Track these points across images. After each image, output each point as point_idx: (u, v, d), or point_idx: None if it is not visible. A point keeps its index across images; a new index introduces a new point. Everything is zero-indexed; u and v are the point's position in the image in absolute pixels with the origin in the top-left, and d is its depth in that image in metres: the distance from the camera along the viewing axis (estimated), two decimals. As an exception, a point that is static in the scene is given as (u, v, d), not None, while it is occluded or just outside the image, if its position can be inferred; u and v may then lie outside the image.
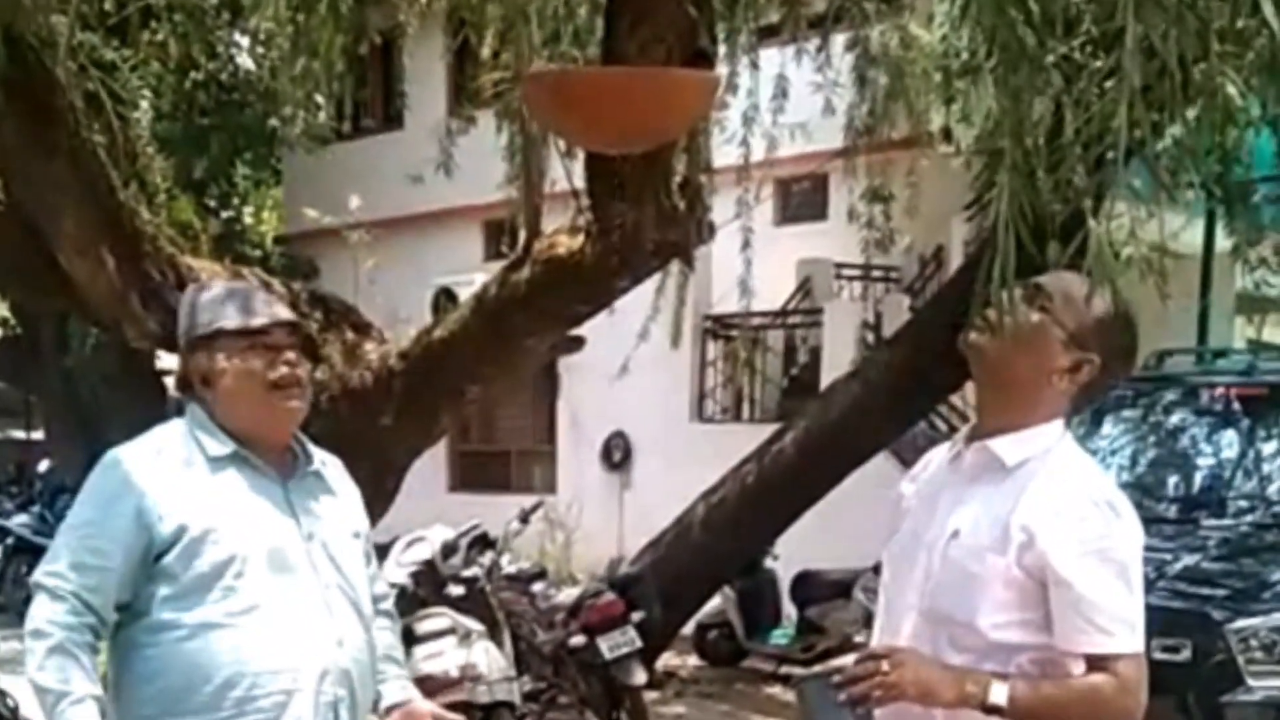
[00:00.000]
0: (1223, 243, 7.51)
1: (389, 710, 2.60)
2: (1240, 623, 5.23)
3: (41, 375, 15.22)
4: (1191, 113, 2.39)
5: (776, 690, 8.45)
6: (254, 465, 2.44)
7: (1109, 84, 2.22)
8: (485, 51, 5.32)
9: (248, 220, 17.74)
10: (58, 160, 4.55)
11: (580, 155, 4.85)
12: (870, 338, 10.77)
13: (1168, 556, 5.60)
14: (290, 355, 2.45)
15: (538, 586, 7.41)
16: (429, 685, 5.50)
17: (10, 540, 11.52)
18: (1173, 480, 6.58)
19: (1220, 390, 6.68)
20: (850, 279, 11.75)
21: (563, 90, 3.10)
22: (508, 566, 7.21)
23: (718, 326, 11.73)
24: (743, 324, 10.33)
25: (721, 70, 5.85)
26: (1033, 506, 2.09)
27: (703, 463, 9.01)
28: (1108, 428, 6.69)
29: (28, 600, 2.37)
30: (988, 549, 2.10)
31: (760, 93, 7.65)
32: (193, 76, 10.07)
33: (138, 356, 5.01)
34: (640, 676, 6.79)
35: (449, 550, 6.76)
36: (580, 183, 4.98)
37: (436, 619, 6.22)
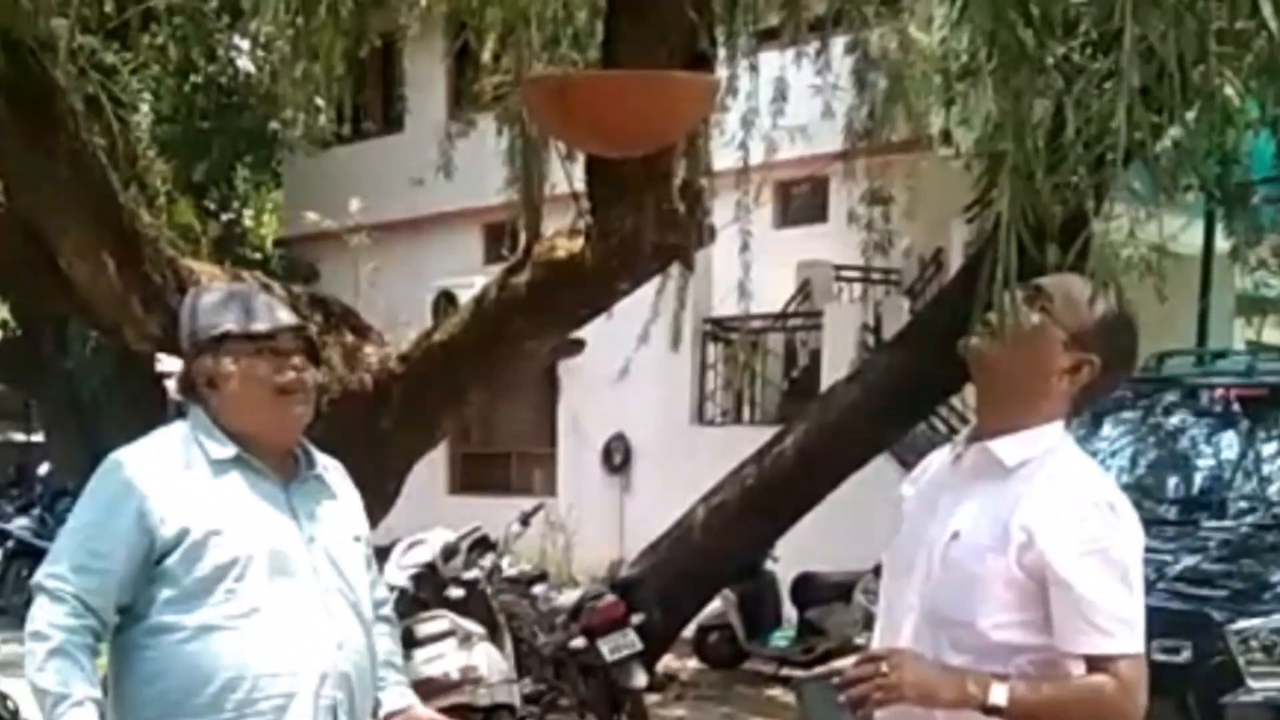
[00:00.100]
0: (1222, 244, 7.52)
1: (389, 717, 2.60)
2: (1240, 624, 5.23)
3: (41, 378, 15.21)
4: (1191, 114, 2.40)
5: (777, 692, 8.45)
6: (256, 469, 2.44)
7: (1108, 86, 2.22)
8: (485, 55, 5.32)
9: (248, 223, 17.76)
10: (58, 163, 4.55)
11: (580, 158, 4.85)
12: (870, 340, 10.76)
13: (1168, 557, 5.60)
14: (297, 360, 2.46)
15: (538, 589, 7.41)
16: (429, 688, 5.51)
17: (10, 543, 11.52)
18: (1173, 481, 6.58)
19: (1220, 391, 6.68)
20: (850, 281, 11.75)
21: (563, 94, 3.10)
22: (508, 569, 7.22)
23: (718, 329, 11.73)
24: (743, 327, 10.33)
25: (721, 73, 5.86)
26: (1033, 507, 2.09)
27: (703, 465, 9.01)
28: (1108, 429, 6.68)
29: (28, 603, 2.37)
30: (988, 550, 2.10)
31: (760, 96, 7.66)
32: (193, 79, 10.11)
33: (138, 359, 4.99)
34: (641, 679, 6.79)
35: (449, 553, 6.76)
36: (580, 186, 4.99)
37: (437, 621, 6.22)
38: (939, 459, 2.35)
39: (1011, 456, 2.15)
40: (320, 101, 6.80)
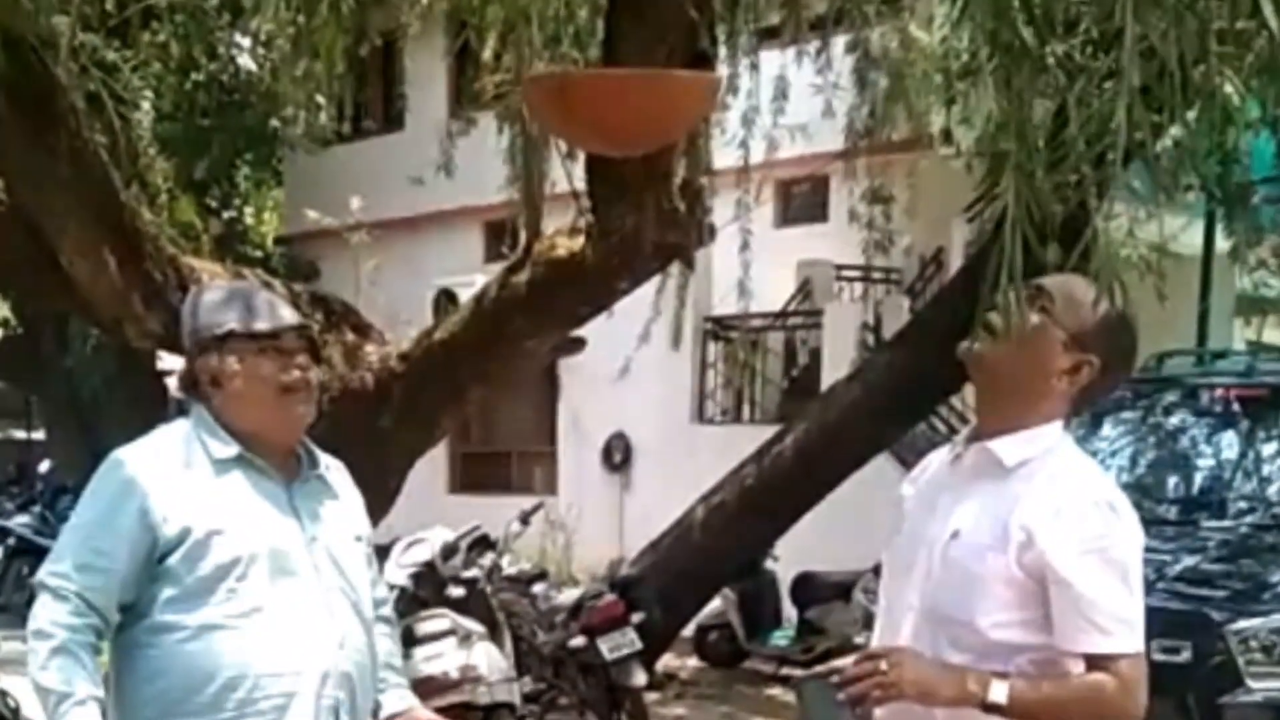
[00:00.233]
0: (1222, 244, 7.52)
1: (389, 719, 2.60)
2: (1240, 624, 5.23)
3: (42, 375, 15.22)
4: (1191, 114, 2.40)
5: (777, 691, 8.45)
6: (258, 468, 2.44)
7: (1108, 85, 2.22)
8: (486, 53, 5.33)
9: (249, 221, 17.76)
10: (59, 161, 4.55)
11: (581, 157, 4.85)
12: (870, 339, 10.77)
13: (1168, 557, 5.60)
14: (302, 359, 2.46)
15: (538, 588, 7.40)
16: (429, 686, 5.52)
17: (11, 540, 11.52)
18: (1172, 481, 6.58)
19: (1220, 391, 6.68)
20: (850, 280, 11.75)
21: (563, 92, 3.10)
22: (508, 568, 7.21)
23: (718, 328, 11.73)
24: (743, 326, 10.34)
25: (722, 72, 5.87)
26: (1033, 507, 2.09)
27: (703, 464, 9.02)
28: (1107, 429, 6.68)
29: (29, 601, 2.37)
30: (988, 549, 2.10)
31: (760, 94, 7.67)
32: (194, 77, 10.10)
33: (138, 357, 5.00)
34: (640, 678, 6.79)
35: (449, 552, 6.76)
36: (581, 184, 4.99)
37: (437, 620, 6.22)
38: (938, 458, 2.36)
39: (1011, 456, 2.16)
40: (321, 99, 6.80)
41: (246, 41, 8.62)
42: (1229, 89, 2.31)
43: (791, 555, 8.87)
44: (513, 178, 6.21)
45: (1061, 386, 2.18)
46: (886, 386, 7.65)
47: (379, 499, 4.36)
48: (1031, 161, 2.20)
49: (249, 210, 17.83)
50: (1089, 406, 2.33)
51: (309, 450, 2.54)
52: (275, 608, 2.35)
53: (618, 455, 12.41)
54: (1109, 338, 2.18)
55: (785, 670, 8.66)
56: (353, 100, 7.52)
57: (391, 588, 4.16)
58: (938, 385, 7.53)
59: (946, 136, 8.11)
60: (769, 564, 9.07)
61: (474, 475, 13.81)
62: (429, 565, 6.71)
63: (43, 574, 2.35)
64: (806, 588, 8.82)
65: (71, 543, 2.37)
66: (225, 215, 16.36)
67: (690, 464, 9.99)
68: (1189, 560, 5.67)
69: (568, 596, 7.27)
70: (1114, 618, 2.06)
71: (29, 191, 4.79)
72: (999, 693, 2.03)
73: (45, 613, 2.30)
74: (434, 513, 8.21)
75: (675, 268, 6.78)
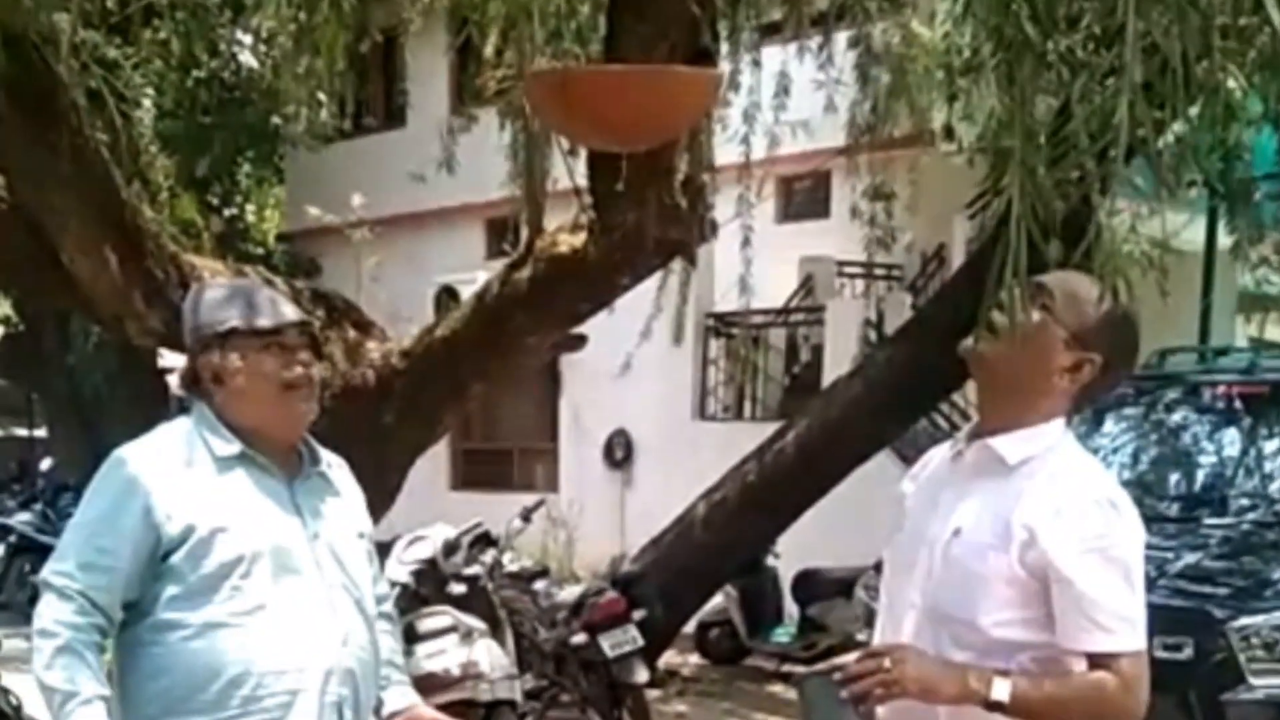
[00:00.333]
0: (1224, 240, 7.51)
1: (391, 717, 2.60)
2: (1242, 621, 5.23)
3: (44, 373, 15.24)
4: (1193, 110, 2.39)
5: (778, 688, 8.45)
6: (261, 465, 2.44)
7: (1110, 81, 2.22)
8: (488, 49, 5.32)
9: (250, 218, 17.76)
10: (60, 159, 4.56)
11: (582, 153, 4.85)
12: (872, 336, 10.76)
13: (1169, 555, 5.60)
14: (304, 356, 2.46)
15: (539, 585, 7.40)
16: (431, 683, 5.51)
17: (13, 538, 11.54)
18: (1174, 478, 6.58)
19: (1222, 388, 6.68)
20: (852, 277, 11.75)
21: (565, 88, 3.10)
22: (509, 565, 7.21)
23: (720, 324, 11.73)
24: (745, 322, 10.33)
25: (723, 68, 5.86)
26: (1034, 505, 2.09)
27: (705, 461, 9.02)
28: (1109, 426, 6.68)
29: (31, 598, 2.37)
30: (989, 547, 2.10)
31: (762, 90, 7.66)
32: (195, 74, 10.09)
33: (140, 354, 5.00)
34: (642, 675, 6.79)
35: (451, 548, 6.75)
36: (582, 181, 4.99)
37: (438, 617, 6.22)
38: (939, 455, 2.35)
39: (1013, 454, 2.15)
40: (322, 96, 6.80)
41: (248, 38, 8.63)
42: (1231, 85, 2.31)
43: (793, 552, 8.87)
44: (514, 174, 6.21)
45: (1063, 384, 2.17)
46: (888, 383, 7.65)
47: (380, 496, 4.37)
48: (1033, 158, 2.20)
49: (250, 207, 17.83)
50: (1090, 404, 2.32)
51: (311, 447, 2.54)
52: (278, 605, 2.35)
53: (619, 452, 12.42)
54: (1110, 335, 2.18)
55: (787, 667, 8.65)
56: (354, 97, 7.51)
57: (393, 585, 4.16)
58: (939, 382, 7.53)
59: (948, 132, 8.11)
60: (770, 561, 9.07)
61: (475, 472, 13.81)
62: (430, 562, 6.71)
63: (46, 573, 2.35)
64: (808, 585, 8.81)
65: (75, 541, 2.36)
66: (226, 212, 16.37)
67: (692, 461, 9.99)
68: (1191, 557, 5.67)
69: (569, 593, 7.27)
70: (1116, 616, 2.05)
71: (30, 189, 4.79)
72: (1001, 690, 2.02)
73: (50, 612, 2.30)
74: (435, 509, 8.20)
75: (677, 264, 6.77)
